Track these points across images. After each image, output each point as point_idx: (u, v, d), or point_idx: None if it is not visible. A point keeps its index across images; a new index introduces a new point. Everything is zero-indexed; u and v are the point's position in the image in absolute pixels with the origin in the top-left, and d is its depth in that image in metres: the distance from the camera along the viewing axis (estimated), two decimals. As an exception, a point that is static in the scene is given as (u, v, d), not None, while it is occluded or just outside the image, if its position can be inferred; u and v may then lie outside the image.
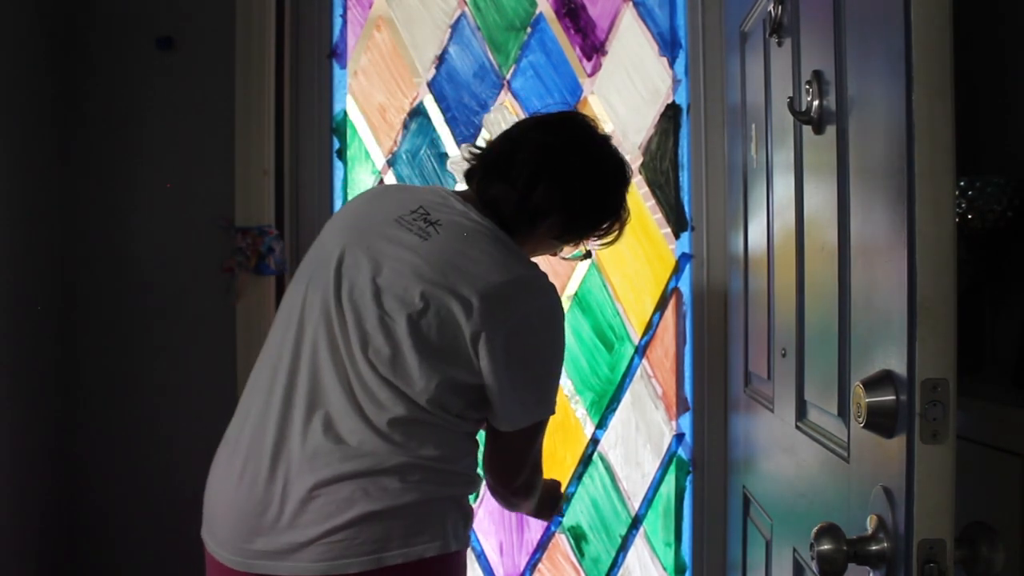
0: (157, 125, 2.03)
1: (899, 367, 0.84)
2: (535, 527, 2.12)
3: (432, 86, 2.15)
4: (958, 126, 0.82)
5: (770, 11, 1.38)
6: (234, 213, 2.01)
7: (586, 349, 2.13)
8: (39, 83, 1.97)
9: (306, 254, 1.33)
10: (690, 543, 2.11)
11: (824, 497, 1.13)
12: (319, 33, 2.13)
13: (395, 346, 1.18)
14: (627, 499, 2.13)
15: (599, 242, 1.42)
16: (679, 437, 2.12)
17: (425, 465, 1.18)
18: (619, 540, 2.13)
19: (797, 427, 1.27)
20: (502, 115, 2.14)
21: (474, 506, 1.33)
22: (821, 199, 1.15)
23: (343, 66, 2.15)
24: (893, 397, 0.85)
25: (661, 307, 2.13)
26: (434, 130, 2.15)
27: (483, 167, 1.34)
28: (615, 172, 1.36)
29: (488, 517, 2.11)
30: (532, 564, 2.13)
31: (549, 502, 1.58)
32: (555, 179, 1.29)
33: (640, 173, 2.13)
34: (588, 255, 1.48)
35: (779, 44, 1.37)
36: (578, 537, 2.13)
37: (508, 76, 2.14)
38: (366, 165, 2.16)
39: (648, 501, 2.13)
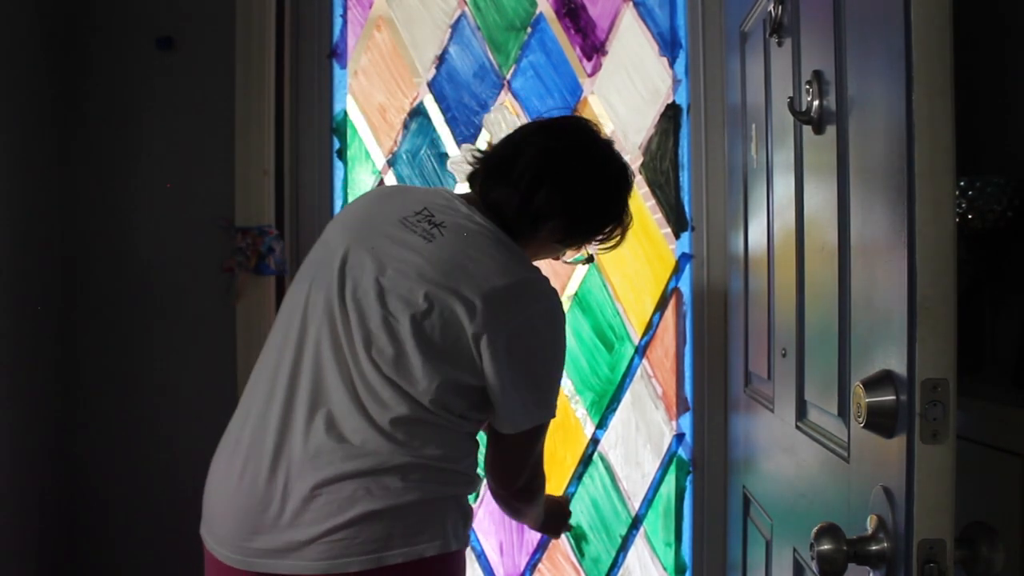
0: (157, 125, 2.03)
1: (899, 367, 0.84)
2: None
3: (432, 86, 2.15)
4: (958, 126, 0.82)
5: (770, 11, 1.38)
6: (234, 213, 2.01)
7: (586, 349, 2.13)
8: (39, 83, 1.97)
9: (308, 254, 1.33)
10: (690, 543, 2.11)
11: (824, 497, 1.13)
12: (319, 33, 2.13)
13: (399, 346, 1.18)
14: (627, 499, 2.13)
15: (601, 246, 1.42)
16: (679, 437, 2.12)
17: (427, 464, 1.19)
18: (619, 540, 2.13)
19: (797, 427, 1.27)
20: (502, 115, 2.14)
21: (474, 506, 1.33)
22: (821, 199, 1.15)
23: (343, 66, 2.15)
24: (893, 397, 0.85)
25: (661, 307, 2.13)
26: (434, 130, 2.15)
27: (486, 170, 1.34)
28: (617, 177, 1.36)
29: (488, 517, 2.11)
30: (532, 564, 2.13)
31: (555, 518, 1.59)
32: (557, 183, 1.29)
33: (640, 173, 2.13)
34: (590, 259, 1.49)
35: (779, 44, 1.37)
36: (578, 537, 2.13)
37: (508, 76, 2.14)
38: (366, 165, 2.16)
39: (648, 501, 2.13)
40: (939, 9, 0.82)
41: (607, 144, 1.37)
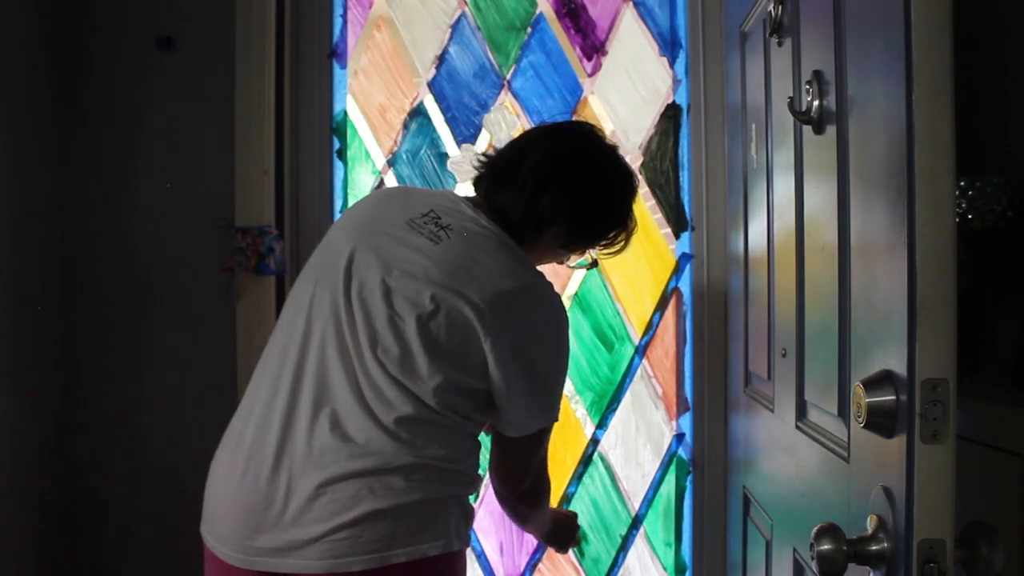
0: (157, 125, 2.03)
1: (899, 367, 0.84)
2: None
3: (432, 86, 2.15)
4: (958, 126, 0.82)
5: (770, 11, 1.38)
6: (234, 213, 2.01)
7: (586, 349, 2.13)
8: (39, 83, 1.97)
9: (313, 253, 1.33)
10: (690, 543, 2.11)
11: (824, 497, 1.13)
12: (319, 33, 2.13)
13: (404, 346, 1.18)
14: (627, 499, 2.13)
15: (605, 251, 1.42)
16: (679, 437, 2.12)
17: (430, 464, 1.19)
18: (619, 540, 2.13)
19: (797, 427, 1.27)
20: (502, 115, 2.14)
21: (474, 506, 1.33)
22: (821, 199, 1.15)
23: (343, 66, 2.15)
24: (893, 397, 0.85)
25: (661, 307, 2.13)
26: (434, 130, 2.15)
27: (491, 174, 1.35)
28: (622, 182, 1.37)
29: (488, 517, 2.11)
30: (532, 564, 2.13)
31: (562, 531, 1.60)
32: (561, 188, 1.30)
33: (640, 173, 2.13)
34: (594, 264, 1.49)
35: (779, 44, 1.37)
36: (580, 536, 2.13)
37: (508, 76, 2.14)
38: (366, 165, 2.16)
39: (648, 501, 2.13)
40: (939, 9, 0.82)
41: (612, 150, 1.38)
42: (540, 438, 1.32)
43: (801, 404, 1.26)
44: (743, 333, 1.76)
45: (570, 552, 2.12)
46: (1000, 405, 1.12)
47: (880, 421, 0.86)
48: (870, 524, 0.89)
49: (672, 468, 2.12)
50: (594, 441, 2.13)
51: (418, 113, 2.15)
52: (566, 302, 2.11)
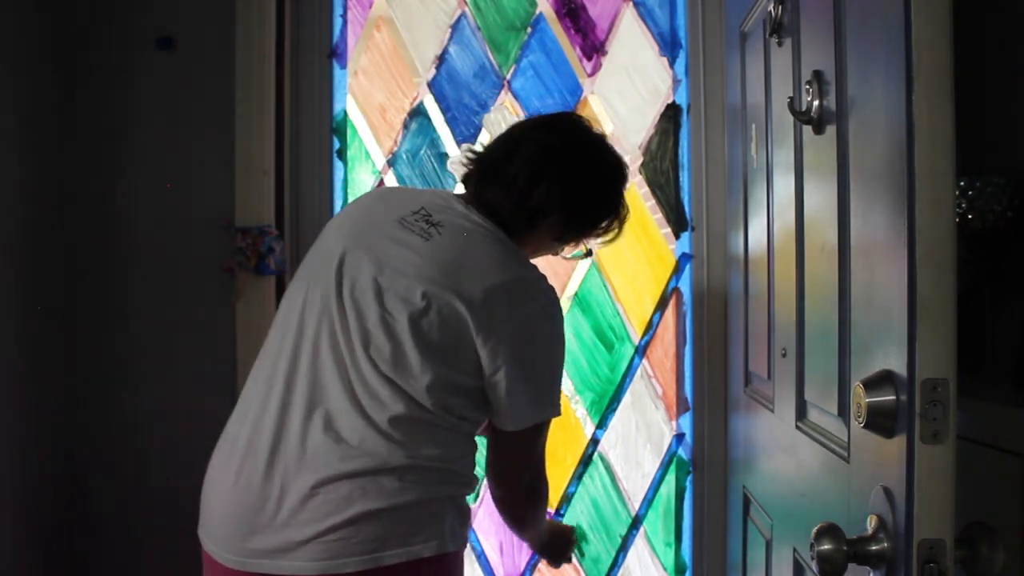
0: (157, 125, 2.03)
1: (899, 367, 0.84)
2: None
3: (432, 86, 2.15)
4: (958, 126, 0.82)
5: (770, 11, 1.38)
6: (234, 213, 2.00)
7: (586, 349, 2.13)
8: (39, 83, 1.96)
9: (306, 255, 1.33)
10: (690, 543, 2.11)
11: (824, 497, 1.13)
12: (319, 33, 2.13)
13: (396, 344, 1.18)
14: (627, 499, 2.13)
15: (599, 240, 1.42)
16: (679, 437, 2.12)
17: (424, 465, 1.19)
18: (619, 540, 2.13)
19: (797, 427, 1.27)
20: (502, 115, 2.14)
21: (473, 506, 1.33)
22: (821, 199, 1.15)
23: (343, 66, 2.15)
24: (893, 397, 0.85)
25: (661, 307, 2.13)
26: (434, 130, 2.15)
27: (480, 170, 1.35)
28: (614, 170, 1.37)
29: (488, 518, 2.11)
30: (532, 564, 2.13)
31: (559, 542, 1.58)
32: (554, 179, 1.29)
33: (640, 173, 2.13)
34: (589, 253, 1.49)
35: (779, 44, 1.37)
36: (578, 537, 2.13)
37: (508, 76, 2.14)
38: (366, 165, 2.16)
39: (648, 501, 2.13)
40: (939, 9, 0.82)
41: (601, 138, 1.38)
42: (537, 434, 1.31)
43: (801, 404, 1.26)
44: (743, 333, 1.76)
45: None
46: (1000, 405, 1.12)
47: (880, 421, 0.86)
48: (870, 524, 0.89)
49: (672, 468, 2.12)
50: (594, 441, 2.13)
51: (418, 113, 2.15)
52: (566, 302, 2.11)
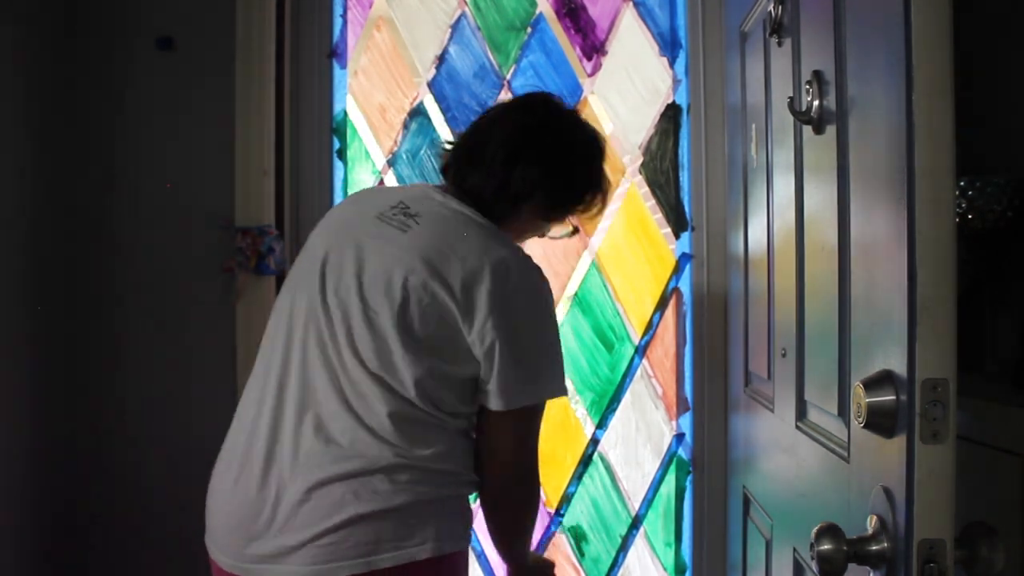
0: (157, 125, 2.03)
1: (899, 367, 0.84)
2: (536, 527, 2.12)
3: (432, 86, 2.15)
4: (958, 126, 0.82)
5: (770, 11, 1.38)
6: (234, 213, 2.01)
7: (586, 349, 2.13)
8: (39, 83, 1.96)
9: (293, 264, 1.34)
10: (690, 543, 2.11)
11: (824, 497, 1.13)
12: (319, 33, 2.13)
13: (381, 339, 1.19)
14: (627, 499, 2.13)
15: (583, 216, 1.41)
16: (679, 437, 2.12)
17: (416, 465, 1.18)
18: (619, 540, 2.13)
19: (797, 427, 1.27)
20: (502, 115, 2.13)
21: (473, 506, 1.32)
22: (821, 199, 1.15)
23: (343, 66, 2.15)
24: (893, 397, 0.85)
25: (661, 307, 2.13)
26: (434, 130, 2.15)
27: (457, 159, 1.34)
28: (590, 146, 1.37)
29: (488, 517, 2.11)
30: (532, 564, 2.13)
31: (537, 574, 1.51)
32: (531, 160, 1.29)
33: (640, 173, 2.13)
34: (575, 231, 1.47)
35: (779, 44, 1.37)
36: (578, 537, 2.13)
37: (508, 76, 2.14)
38: (366, 165, 2.16)
39: (648, 501, 2.13)
40: (939, 9, 0.82)
41: (574, 113, 1.39)
42: (530, 417, 1.27)
43: (801, 404, 1.26)
44: (743, 333, 1.76)
45: (570, 552, 2.12)
46: (1000, 405, 1.12)
47: (880, 421, 0.86)
48: (870, 524, 0.89)
49: (672, 468, 2.12)
50: (594, 441, 2.13)
51: (418, 113, 2.15)
52: (566, 303, 2.12)
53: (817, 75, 1.14)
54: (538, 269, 1.28)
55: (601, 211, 1.42)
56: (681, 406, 2.12)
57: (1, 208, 1.84)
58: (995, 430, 1.08)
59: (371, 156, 2.15)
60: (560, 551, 2.13)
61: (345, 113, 2.14)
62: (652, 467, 2.13)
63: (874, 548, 0.87)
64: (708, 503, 2.07)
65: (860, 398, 0.87)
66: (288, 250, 2.05)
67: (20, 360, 1.89)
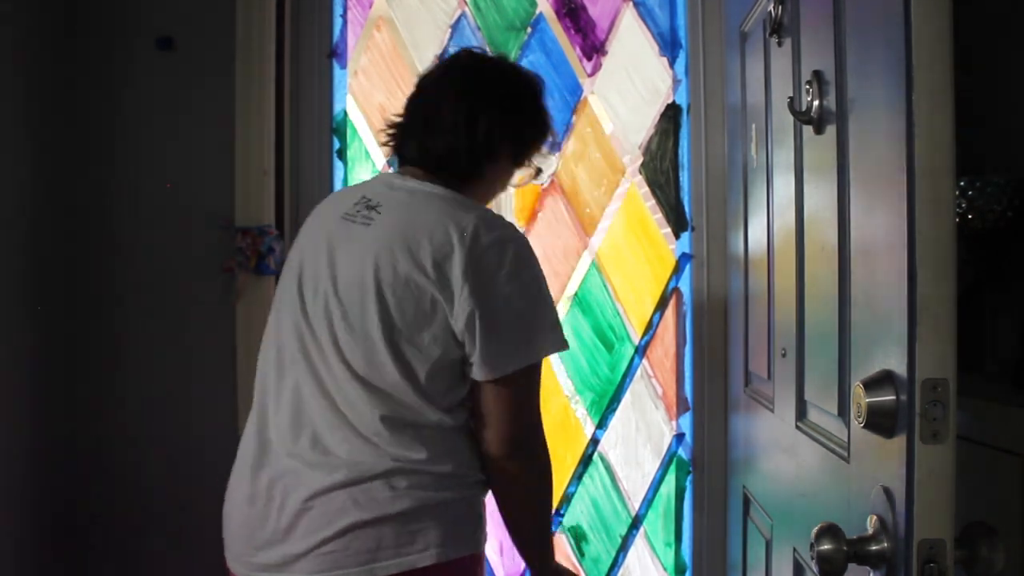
0: (157, 125, 2.03)
1: (899, 367, 0.84)
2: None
3: (432, 86, 2.15)
4: (958, 126, 0.82)
5: (770, 11, 1.38)
6: (234, 213, 2.00)
7: (586, 349, 2.13)
8: (39, 83, 1.96)
9: (279, 281, 1.36)
10: (690, 543, 2.11)
11: (824, 497, 1.13)
12: (319, 33, 2.13)
13: (365, 337, 1.19)
14: (627, 499, 2.13)
15: (542, 154, 1.42)
16: (679, 437, 2.12)
17: (415, 469, 1.18)
18: (619, 540, 2.13)
19: (797, 427, 1.27)
20: (502, 115, 2.14)
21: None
22: (821, 199, 1.15)
23: (343, 66, 2.15)
24: (893, 397, 0.85)
25: (661, 307, 2.13)
26: (434, 130, 2.14)
27: (414, 133, 1.33)
28: (530, 80, 1.39)
29: (489, 517, 2.11)
30: (532, 564, 2.13)
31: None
32: (491, 107, 1.30)
33: (640, 173, 2.13)
34: (539, 171, 1.45)
35: (779, 44, 1.37)
36: (578, 537, 2.13)
37: (508, 76, 2.14)
38: (366, 165, 2.15)
39: (648, 501, 2.13)
40: (939, 9, 0.82)
41: (504, 59, 1.42)
42: (524, 380, 1.22)
43: (801, 404, 1.26)
44: (743, 333, 1.76)
45: (570, 552, 2.13)
46: (1000, 405, 1.12)
47: (880, 421, 0.86)
48: (870, 524, 0.89)
49: (672, 468, 2.12)
50: (594, 441, 2.13)
51: (418, 113, 2.14)
52: (566, 303, 2.12)
53: (817, 75, 1.14)
54: (509, 225, 1.26)
55: (556, 144, 1.43)
56: (681, 406, 2.12)
57: (1, 208, 1.84)
58: (995, 430, 1.08)
59: (371, 156, 2.15)
60: (560, 551, 2.13)
61: (345, 113, 2.14)
62: (652, 467, 2.13)
63: (874, 548, 0.87)
64: (708, 503, 2.07)
65: (860, 398, 0.87)
66: (288, 250, 2.05)
67: (20, 360, 1.89)
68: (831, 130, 1.10)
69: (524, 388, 1.23)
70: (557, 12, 2.15)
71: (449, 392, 1.22)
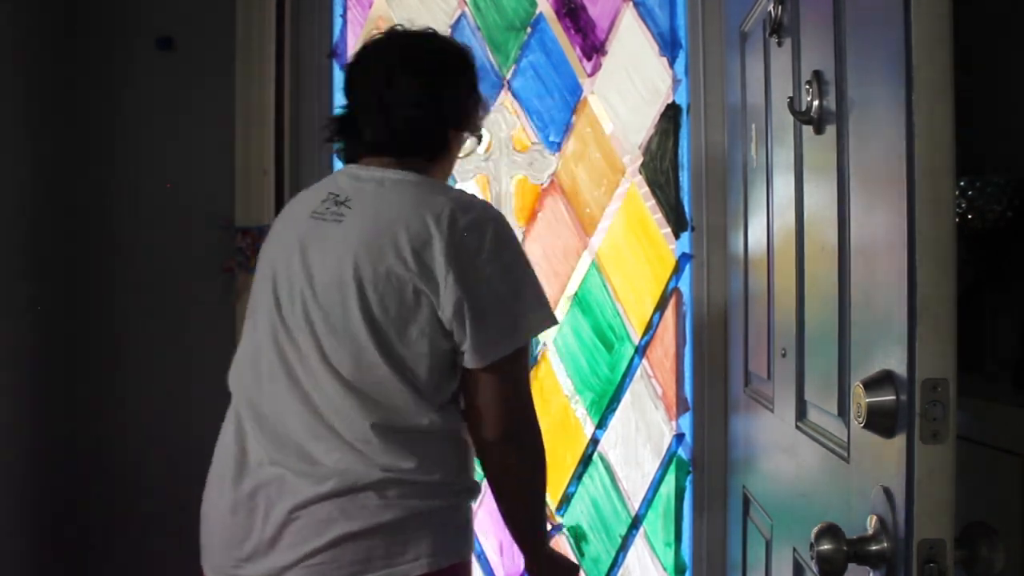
0: (157, 125, 2.03)
1: (899, 367, 0.84)
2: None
3: (432, 86, 2.15)
4: (958, 126, 0.82)
5: (770, 11, 1.38)
6: (234, 213, 2.01)
7: (586, 349, 2.13)
8: (39, 83, 1.96)
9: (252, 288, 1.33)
10: (690, 543, 2.11)
11: (824, 497, 1.13)
12: (319, 33, 2.13)
13: (350, 339, 1.16)
14: (627, 499, 2.13)
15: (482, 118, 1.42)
16: (679, 437, 2.12)
17: (404, 479, 1.16)
18: (619, 540, 2.13)
19: (797, 427, 1.27)
20: (502, 115, 2.14)
21: (473, 506, 1.30)
22: (821, 199, 1.15)
23: (343, 66, 2.14)
24: (893, 397, 0.85)
25: (661, 307, 2.13)
26: (434, 130, 2.14)
27: (367, 121, 1.29)
28: (467, 48, 1.40)
29: (488, 517, 2.11)
30: (532, 564, 2.13)
31: (559, 567, 1.38)
32: (447, 79, 1.30)
33: (640, 173, 2.13)
34: (481, 138, 1.44)
35: (779, 44, 1.37)
36: (578, 537, 2.13)
37: (508, 76, 2.14)
38: (366, 165, 2.15)
39: (648, 501, 2.13)
40: (939, 9, 0.82)
41: (432, 31, 1.40)
42: (512, 365, 1.20)
43: (801, 404, 1.26)
44: (743, 333, 1.76)
45: (570, 552, 2.12)
46: (1000, 405, 1.12)
47: (880, 421, 0.86)
48: (870, 524, 0.89)
49: (672, 468, 2.12)
50: (594, 441, 2.13)
51: (418, 113, 2.14)
52: (566, 303, 2.12)
53: (817, 75, 1.14)
54: (484, 205, 1.25)
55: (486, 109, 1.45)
56: (681, 406, 2.12)
57: (1, 208, 1.84)
58: (995, 430, 1.08)
59: (371, 156, 2.15)
60: (560, 551, 2.13)
61: (345, 113, 2.14)
62: (652, 467, 2.13)
63: (874, 548, 0.87)
64: (708, 503, 2.07)
65: (860, 398, 0.87)
66: (288, 250, 2.05)
67: (20, 360, 1.89)
68: (831, 130, 1.10)
69: (513, 371, 1.21)
70: (557, 12, 2.15)
71: (442, 386, 1.20)
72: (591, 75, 2.14)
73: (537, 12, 2.15)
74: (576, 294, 2.14)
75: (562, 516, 2.13)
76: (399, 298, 1.15)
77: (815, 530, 0.91)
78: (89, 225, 2.03)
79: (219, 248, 2.00)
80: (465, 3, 2.15)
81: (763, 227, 1.53)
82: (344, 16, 2.15)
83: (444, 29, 2.15)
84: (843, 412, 1.05)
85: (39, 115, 1.97)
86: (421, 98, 1.26)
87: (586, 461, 2.13)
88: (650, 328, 2.13)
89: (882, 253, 0.91)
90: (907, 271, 0.82)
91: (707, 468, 2.08)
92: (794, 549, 1.28)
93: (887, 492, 0.86)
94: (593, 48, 2.15)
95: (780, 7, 1.34)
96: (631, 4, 2.14)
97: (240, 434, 1.24)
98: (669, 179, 2.13)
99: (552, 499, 2.12)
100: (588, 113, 2.13)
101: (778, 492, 1.47)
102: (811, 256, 1.22)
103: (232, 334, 2.00)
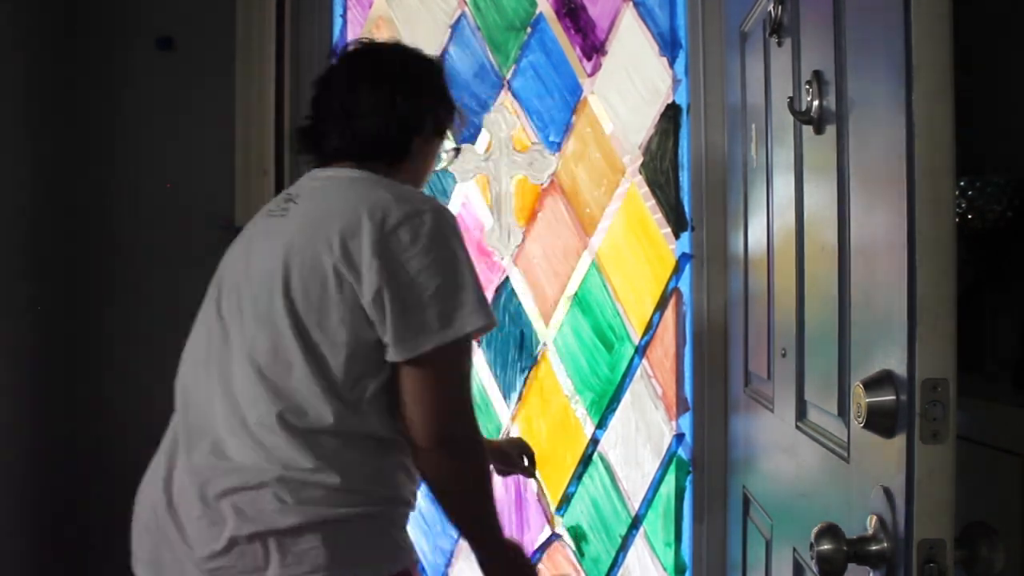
0: (157, 125, 2.03)
1: (899, 367, 0.84)
2: (535, 527, 2.12)
3: (432, 86, 2.15)
4: (958, 126, 0.82)
5: (770, 11, 1.38)
6: (234, 213, 2.01)
7: (586, 349, 2.13)
8: (39, 83, 1.97)
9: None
10: (690, 543, 2.11)
11: (824, 497, 1.13)
12: (319, 33, 2.13)
13: (272, 327, 1.16)
14: (627, 499, 2.13)
15: (456, 127, 1.44)
16: (679, 437, 2.12)
17: (303, 480, 1.10)
18: (619, 540, 2.13)
19: (797, 427, 1.27)
20: (502, 115, 2.14)
21: (402, 519, 1.22)
22: (821, 199, 1.15)
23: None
24: (893, 397, 0.85)
25: (661, 307, 2.13)
26: (434, 130, 2.14)
27: (332, 128, 1.30)
28: (435, 60, 1.41)
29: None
30: (534, 562, 2.13)
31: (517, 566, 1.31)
32: (406, 87, 1.30)
33: (640, 173, 2.13)
34: (458, 151, 1.46)
35: (779, 44, 1.37)
36: (578, 537, 2.13)
37: (508, 76, 2.14)
38: (366, 165, 2.15)
39: (648, 501, 2.13)
40: (939, 9, 0.82)
41: (397, 43, 1.41)
42: (446, 365, 1.15)
43: (801, 404, 1.26)
44: (743, 333, 1.76)
45: (570, 552, 2.12)
46: (1000, 405, 1.12)
47: (880, 421, 0.86)
48: (870, 524, 0.89)
49: (672, 468, 2.12)
50: (594, 441, 2.13)
51: (418, 113, 2.14)
52: (565, 303, 2.11)
53: (817, 75, 1.14)
54: (427, 199, 1.23)
55: (464, 123, 1.46)
56: (681, 406, 2.12)
57: (1, 208, 1.84)
58: (995, 430, 1.08)
59: (371, 156, 2.15)
60: (560, 551, 2.13)
61: (345, 113, 2.14)
62: (652, 467, 2.13)
63: (874, 548, 0.87)
64: (708, 503, 2.07)
65: (860, 398, 0.87)
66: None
67: (20, 360, 1.89)
68: (831, 130, 1.10)
69: (446, 371, 1.16)
70: (557, 12, 2.15)
71: (360, 382, 1.15)
72: (591, 75, 2.14)
73: (537, 12, 2.15)
74: (576, 294, 2.14)
75: (562, 516, 2.13)
76: (321, 285, 1.14)
77: (815, 530, 0.91)
78: (89, 225, 2.03)
79: (219, 248, 1.99)
80: (465, 3, 2.15)
81: (763, 227, 1.53)
82: (344, 16, 2.15)
83: (444, 29, 2.16)
84: (843, 412, 1.05)
85: (39, 115, 1.97)
86: (380, 105, 1.28)
87: (586, 461, 2.13)
88: (650, 328, 2.13)
89: (882, 253, 0.91)
90: (907, 271, 0.82)
91: (707, 468, 2.08)
92: (794, 549, 1.28)
93: (887, 492, 0.86)
94: (593, 48, 2.15)
95: (780, 7, 1.34)
96: (631, 4, 2.14)
97: (175, 428, 1.26)
98: (669, 179, 2.13)
99: (552, 499, 2.12)
100: (588, 113, 2.13)
101: (778, 492, 1.47)
102: (811, 256, 1.22)
103: (232, 334, 2.01)
